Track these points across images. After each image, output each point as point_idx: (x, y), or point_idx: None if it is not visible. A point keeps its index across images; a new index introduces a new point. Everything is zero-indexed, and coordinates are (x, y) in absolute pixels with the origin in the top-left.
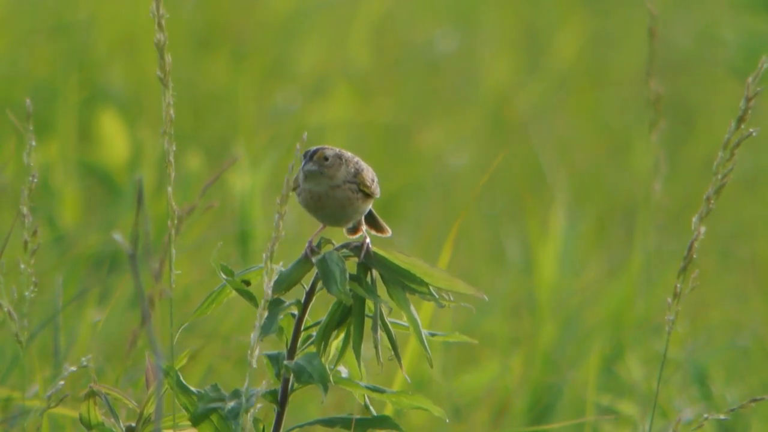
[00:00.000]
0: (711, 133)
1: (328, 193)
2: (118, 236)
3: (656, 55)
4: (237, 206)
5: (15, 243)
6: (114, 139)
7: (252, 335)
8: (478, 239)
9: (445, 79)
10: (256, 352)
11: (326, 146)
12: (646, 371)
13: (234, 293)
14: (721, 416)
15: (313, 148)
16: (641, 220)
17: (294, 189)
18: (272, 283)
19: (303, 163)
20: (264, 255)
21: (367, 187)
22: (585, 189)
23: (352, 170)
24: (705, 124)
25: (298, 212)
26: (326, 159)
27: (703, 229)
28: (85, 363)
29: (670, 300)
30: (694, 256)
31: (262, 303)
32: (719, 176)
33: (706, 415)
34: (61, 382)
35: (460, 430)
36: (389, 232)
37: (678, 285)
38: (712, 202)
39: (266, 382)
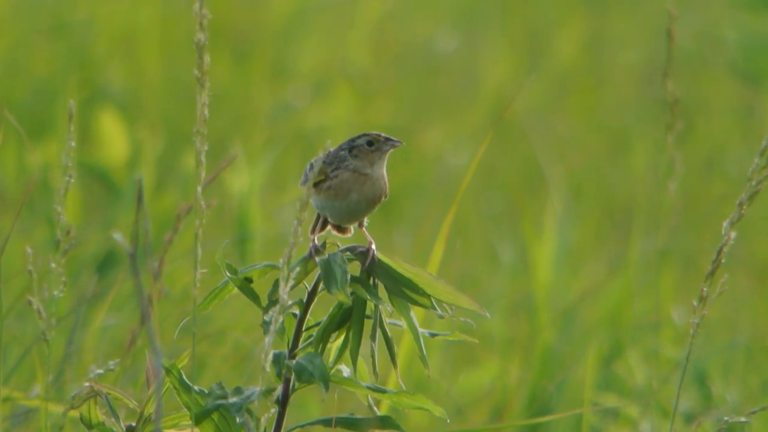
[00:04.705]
0: (711, 133)
1: (375, 181)
2: (118, 236)
3: (673, 56)
4: (235, 206)
5: (14, 242)
6: (113, 139)
7: (266, 340)
8: (476, 239)
9: (445, 79)
10: (270, 356)
11: None
12: (646, 371)
13: (235, 290)
14: (742, 419)
15: (371, 133)
16: (640, 219)
17: (320, 181)
18: (288, 289)
19: (384, 143)
20: (281, 260)
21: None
22: (584, 189)
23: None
24: (705, 124)
25: (295, 214)
26: None
27: (733, 234)
28: (111, 367)
29: (695, 303)
30: (723, 260)
31: (277, 308)
32: (753, 182)
33: (726, 418)
34: (87, 384)
35: (460, 430)
36: (351, 233)
37: (704, 289)
38: (744, 207)
39: (280, 388)
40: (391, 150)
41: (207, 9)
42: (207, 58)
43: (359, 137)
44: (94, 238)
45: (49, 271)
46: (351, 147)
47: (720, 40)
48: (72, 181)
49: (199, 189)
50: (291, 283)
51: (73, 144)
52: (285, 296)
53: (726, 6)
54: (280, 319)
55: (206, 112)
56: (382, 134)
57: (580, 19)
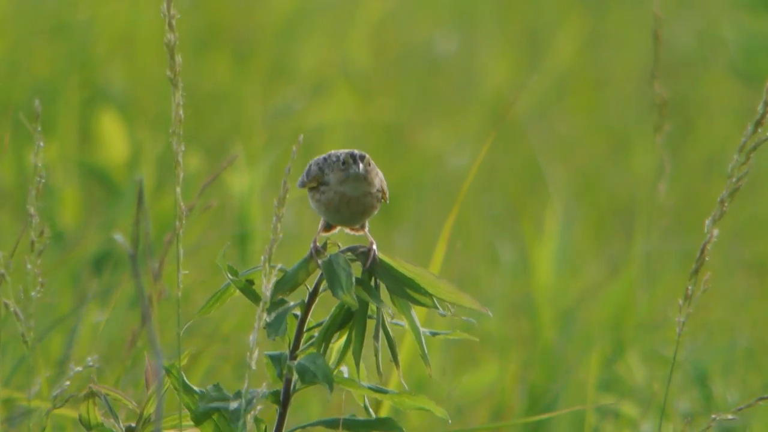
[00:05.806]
0: (711, 134)
1: (360, 198)
2: (118, 236)
3: (660, 57)
4: (236, 206)
5: (10, 242)
6: (114, 139)
7: (250, 337)
8: (476, 240)
9: (445, 79)
10: (255, 354)
11: (361, 151)
12: (647, 371)
13: (238, 293)
14: (729, 416)
15: (357, 151)
16: (641, 219)
17: (312, 187)
18: (271, 286)
19: (350, 165)
20: (262, 257)
21: (386, 196)
22: (585, 189)
23: (378, 178)
24: (705, 124)
25: (297, 214)
26: (369, 164)
27: (716, 231)
28: (91, 363)
29: (681, 302)
30: (707, 258)
31: (260, 305)
32: (734, 179)
33: (714, 416)
34: (67, 383)
35: (460, 430)
36: (366, 229)
37: (689, 287)
38: (725, 204)
39: (266, 384)
40: (358, 173)
41: (175, 9)
42: (179, 59)
43: (343, 153)
44: (94, 238)
45: (46, 271)
46: (337, 162)
47: (720, 40)
48: (43, 182)
49: (178, 189)
50: (273, 279)
51: (42, 144)
52: (267, 293)
53: (726, 6)
54: (264, 315)
55: (181, 112)
56: (358, 155)
57: (580, 19)
